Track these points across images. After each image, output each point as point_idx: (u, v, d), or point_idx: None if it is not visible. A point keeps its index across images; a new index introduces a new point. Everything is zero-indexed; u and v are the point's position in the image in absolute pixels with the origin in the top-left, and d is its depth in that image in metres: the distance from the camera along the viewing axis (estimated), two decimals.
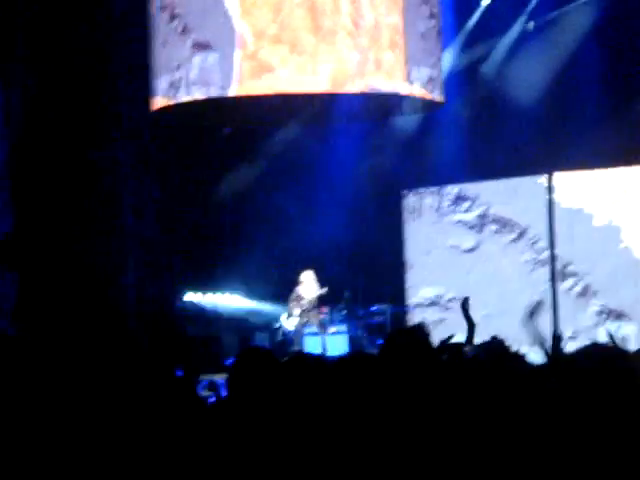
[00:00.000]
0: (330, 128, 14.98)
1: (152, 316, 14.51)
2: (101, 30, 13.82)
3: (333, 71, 9.28)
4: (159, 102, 9.83)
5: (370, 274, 15.52)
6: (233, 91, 9.13)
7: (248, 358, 4.31)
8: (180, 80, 9.45)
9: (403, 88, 9.68)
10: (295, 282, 14.75)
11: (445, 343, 4.65)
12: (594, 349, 3.65)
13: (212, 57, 9.08)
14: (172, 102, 10.31)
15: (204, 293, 15.95)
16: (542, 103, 14.51)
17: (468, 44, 15.21)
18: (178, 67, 9.44)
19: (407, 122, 14.81)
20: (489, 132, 15.07)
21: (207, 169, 15.55)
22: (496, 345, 4.32)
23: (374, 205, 15.66)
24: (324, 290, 14.56)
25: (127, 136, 14.64)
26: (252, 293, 15.96)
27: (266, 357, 4.32)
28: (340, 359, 4.18)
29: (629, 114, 14.12)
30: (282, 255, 15.44)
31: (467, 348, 4.60)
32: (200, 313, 15.73)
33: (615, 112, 14.17)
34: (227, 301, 16.15)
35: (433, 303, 15.58)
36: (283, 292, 14.93)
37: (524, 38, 14.94)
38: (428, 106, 13.41)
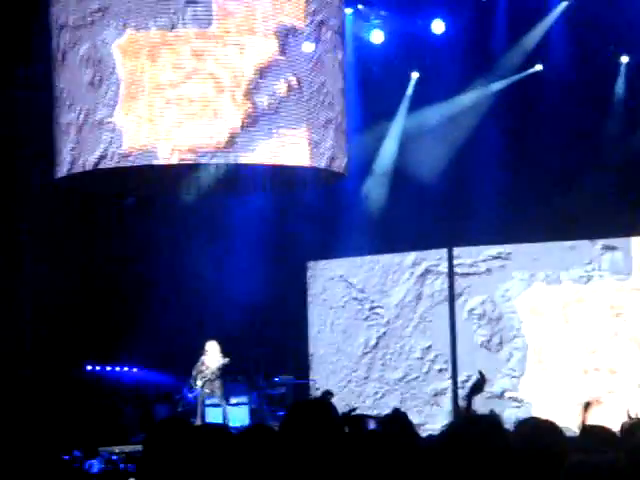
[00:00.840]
0: (235, 198, 15.09)
1: (51, 387, 14.26)
2: (5, 99, 13.77)
3: None
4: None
5: (273, 345, 15.53)
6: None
7: (166, 428, 4.27)
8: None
9: None
10: (199, 352, 14.67)
11: (348, 415, 4.70)
12: (479, 423, 3.73)
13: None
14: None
15: (105, 364, 15.76)
16: (442, 180, 14.93)
17: (372, 119, 15.55)
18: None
19: (314, 194, 15.03)
20: (392, 206, 15.37)
21: (110, 237, 15.47)
22: (396, 419, 4.38)
23: (280, 276, 15.74)
24: (226, 360, 14.50)
25: (27, 204, 14.51)
26: (153, 364, 15.82)
27: (182, 427, 4.28)
28: (242, 431, 4.19)
29: (527, 192, 14.59)
30: (186, 325, 15.36)
31: (369, 420, 4.65)
32: (100, 384, 15.52)
33: (513, 190, 14.64)
34: (128, 372, 15.98)
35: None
36: (185, 363, 14.83)
37: (426, 116, 15.37)
38: (331, 178, 13.61)
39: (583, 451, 3.67)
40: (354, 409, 4.77)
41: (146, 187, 13.90)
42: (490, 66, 15.03)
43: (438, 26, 14.79)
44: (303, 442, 4.14)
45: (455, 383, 14.66)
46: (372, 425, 4.49)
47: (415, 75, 15.54)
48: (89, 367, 15.60)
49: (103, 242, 15.41)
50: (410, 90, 15.62)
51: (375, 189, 15.61)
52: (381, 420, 4.46)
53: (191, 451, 3.97)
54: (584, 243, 14.37)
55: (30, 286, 14.64)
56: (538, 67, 14.94)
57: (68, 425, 13.06)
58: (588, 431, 4.67)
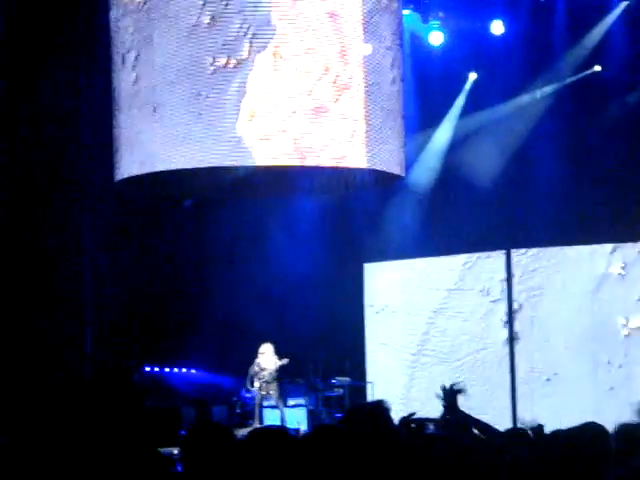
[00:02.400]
0: (292, 200, 15.13)
1: (110, 387, 14.39)
2: (66, 102, 13.91)
3: None
4: None
5: (331, 347, 15.53)
6: None
7: (200, 433, 4.28)
8: None
9: None
10: (255, 354, 14.72)
11: (407, 419, 4.69)
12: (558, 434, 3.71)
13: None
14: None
15: (163, 365, 15.87)
16: (500, 181, 14.86)
17: (429, 121, 15.51)
18: None
19: (369, 195, 15.00)
20: (448, 208, 15.32)
21: (169, 240, 15.58)
22: (455, 422, 4.36)
23: (336, 278, 15.73)
24: (285, 361, 14.52)
25: (89, 207, 14.66)
26: (211, 365, 15.90)
27: (219, 432, 4.29)
28: (308, 434, 4.19)
29: (583, 193, 14.47)
30: (242, 327, 15.42)
31: (428, 424, 4.64)
32: (158, 385, 15.62)
33: (570, 191, 14.52)
34: (186, 373, 16.08)
35: None
36: (242, 365, 14.89)
37: (484, 117, 15.29)
38: (388, 180, 13.58)
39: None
40: (413, 413, 4.75)
41: (204, 190, 13.97)
42: (550, 66, 14.92)
43: (497, 27, 14.71)
44: (360, 445, 4.14)
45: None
46: (431, 428, 4.48)
47: (473, 76, 15.47)
48: (148, 368, 15.72)
49: (161, 244, 15.52)
50: (467, 90, 15.55)
51: (431, 191, 15.56)
52: (440, 423, 4.46)
53: (230, 456, 3.97)
54: None
55: (90, 287, 14.79)
56: (597, 68, 14.78)
57: (127, 426, 13.17)
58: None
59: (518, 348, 14.85)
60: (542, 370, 14.65)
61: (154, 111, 12.23)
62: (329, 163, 12.50)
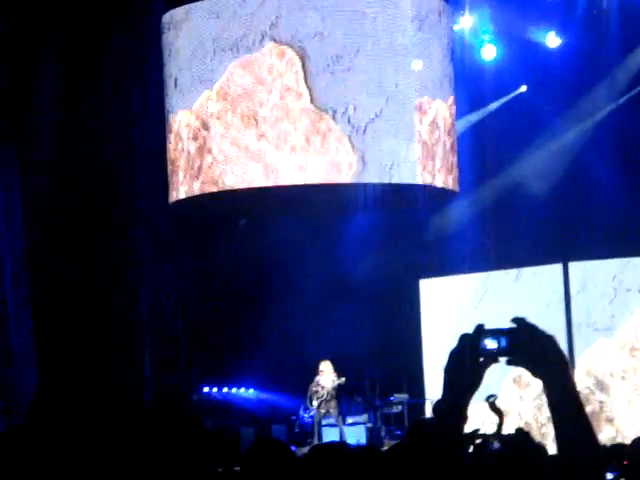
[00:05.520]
0: (347, 219, 15.11)
1: (169, 408, 14.45)
2: (121, 123, 14.04)
3: None
4: None
5: (388, 364, 15.46)
6: None
7: (261, 449, 4.27)
8: None
9: None
10: (314, 372, 14.69)
11: (471, 435, 4.64)
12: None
13: None
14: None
15: (221, 386, 15.90)
16: (556, 194, 14.73)
17: (482, 134, 15.44)
18: None
19: (424, 211, 14.95)
20: (504, 221, 15.23)
21: (224, 260, 15.64)
22: (520, 438, 4.30)
23: (393, 295, 15.67)
24: (342, 380, 14.48)
25: (146, 228, 14.76)
26: (269, 384, 15.91)
27: (279, 449, 4.27)
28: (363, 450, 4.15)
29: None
30: (300, 346, 15.42)
31: (493, 440, 4.58)
32: (217, 406, 15.65)
33: (626, 202, 14.35)
34: (244, 393, 16.09)
35: None
36: (300, 383, 14.87)
37: (538, 128, 15.19)
38: (443, 195, 13.54)
39: None
40: (477, 429, 4.70)
41: (259, 208, 14.02)
42: (605, 78, 14.78)
43: (552, 40, 14.53)
44: (425, 460, 4.10)
45: None
46: (496, 445, 4.42)
47: (523, 88, 15.41)
48: (207, 389, 15.76)
49: (216, 264, 15.57)
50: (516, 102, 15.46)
51: (485, 204, 15.48)
52: (505, 440, 4.40)
53: (290, 473, 3.95)
54: None
55: (148, 310, 14.88)
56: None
57: (186, 447, 13.21)
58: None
59: (578, 359, 14.68)
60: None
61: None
62: (383, 180, 12.50)
